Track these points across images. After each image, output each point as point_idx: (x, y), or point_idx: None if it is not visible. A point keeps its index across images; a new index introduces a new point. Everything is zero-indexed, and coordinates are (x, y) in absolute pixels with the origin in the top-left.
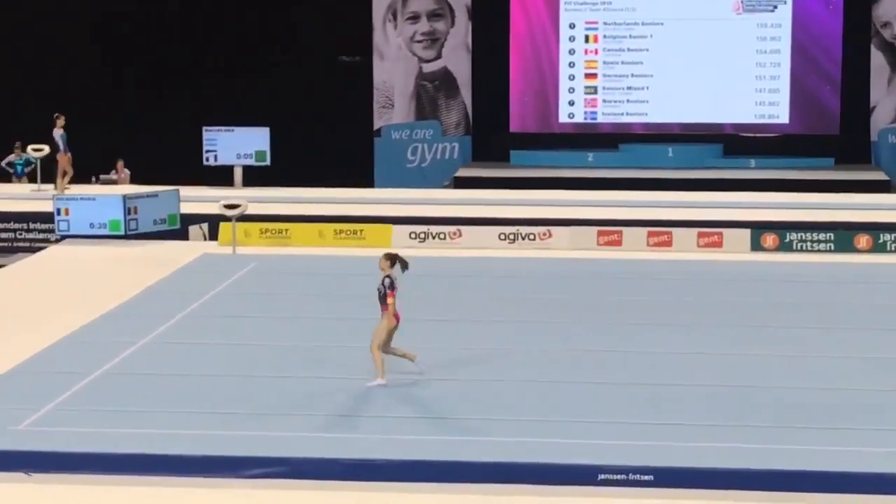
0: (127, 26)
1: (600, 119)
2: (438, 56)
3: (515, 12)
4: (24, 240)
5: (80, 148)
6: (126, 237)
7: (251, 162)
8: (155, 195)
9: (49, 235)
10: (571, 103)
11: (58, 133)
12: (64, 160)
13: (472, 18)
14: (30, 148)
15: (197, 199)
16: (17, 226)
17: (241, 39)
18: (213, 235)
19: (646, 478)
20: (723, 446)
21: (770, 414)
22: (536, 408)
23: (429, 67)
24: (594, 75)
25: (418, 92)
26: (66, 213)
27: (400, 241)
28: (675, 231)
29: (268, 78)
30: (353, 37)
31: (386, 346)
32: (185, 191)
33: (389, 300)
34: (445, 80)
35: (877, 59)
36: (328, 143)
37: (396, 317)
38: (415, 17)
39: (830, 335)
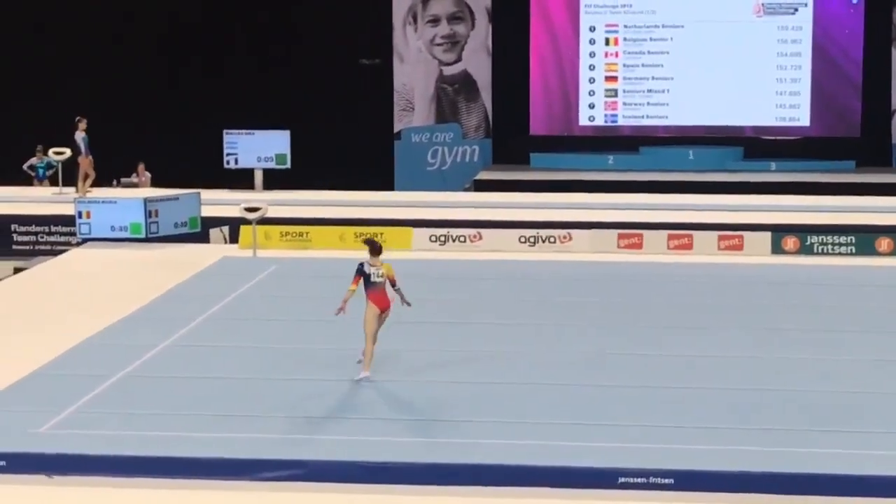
0: (148, 30)
1: (620, 122)
2: (458, 59)
3: (535, 15)
4: (46, 243)
5: (102, 151)
6: (147, 240)
7: (272, 165)
8: (176, 198)
9: (70, 238)
10: (592, 106)
11: (79, 136)
12: (85, 163)
13: (493, 21)
14: (51, 151)
15: (217, 202)
16: (38, 229)
17: (261, 42)
18: (233, 238)
19: (666, 481)
20: (744, 449)
21: (792, 417)
22: (556, 410)
23: (449, 70)
24: (614, 78)
25: (438, 95)
26: (88, 216)
27: (420, 243)
28: (696, 234)
29: (288, 81)
30: (374, 40)
31: (372, 334)
32: (206, 194)
33: (351, 286)
34: (465, 83)
35: None
36: (348, 145)
37: (376, 303)
38: (435, 20)
39: (851, 338)
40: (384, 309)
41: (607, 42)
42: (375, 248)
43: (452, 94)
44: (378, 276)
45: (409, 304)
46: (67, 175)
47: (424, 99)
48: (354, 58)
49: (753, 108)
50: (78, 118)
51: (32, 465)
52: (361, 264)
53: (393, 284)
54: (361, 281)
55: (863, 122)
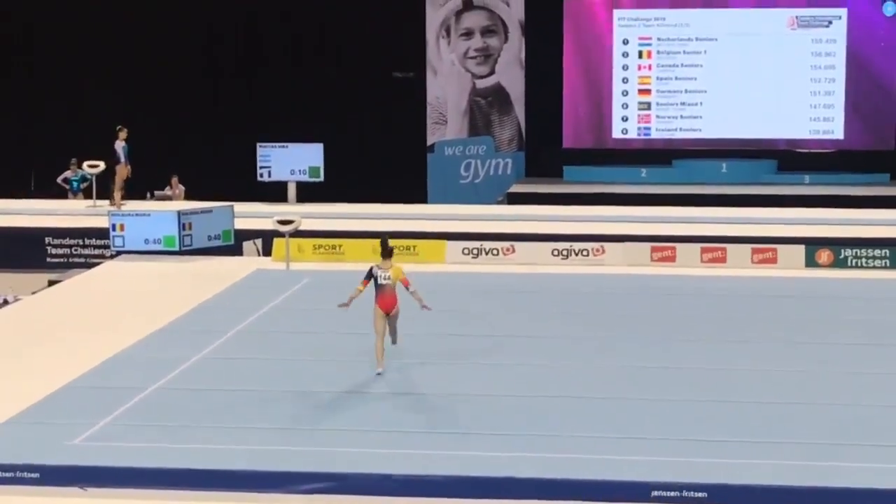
0: (183, 43)
1: (654, 135)
2: (492, 72)
3: (569, 28)
4: (80, 255)
5: (136, 164)
6: (180, 253)
7: (305, 178)
8: (209, 211)
9: (104, 251)
10: (625, 119)
11: (119, 145)
12: (123, 172)
13: (526, 34)
14: (85, 164)
15: (251, 214)
16: (72, 242)
17: (294, 55)
18: (266, 251)
19: (699, 495)
20: (777, 463)
21: (826, 431)
22: (589, 424)
23: (482, 83)
24: (648, 91)
25: (471, 108)
26: (122, 228)
27: (453, 256)
28: (729, 247)
29: (322, 94)
30: (407, 53)
31: (380, 335)
32: (240, 207)
33: (359, 286)
34: (499, 96)
35: None
36: (382, 158)
37: (381, 305)
38: (468, 34)
39: (886, 352)
40: (387, 311)
41: (640, 55)
42: (386, 252)
43: (486, 107)
44: (385, 279)
45: (428, 308)
46: (102, 188)
47: (457, 112)
48: (388, 71)
49: (787, 121)
50: (119, 127)
51: (67, 477)
52: (372, 267)
53: (406, 287)
54: (372, 283)
55: None
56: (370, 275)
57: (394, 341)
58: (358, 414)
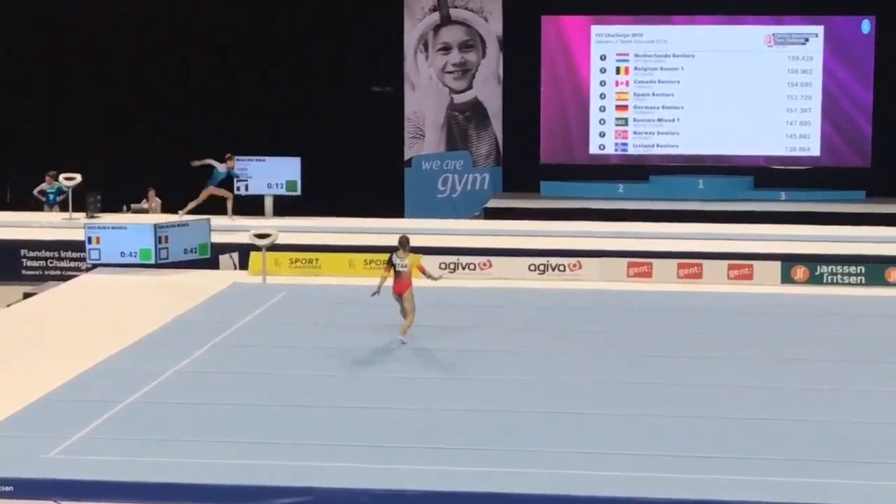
0: (160, 56)
1: (631, 150)
2: (469, 87)
3: (546, 43)
4: (56, 268)
5: (112, 177)
6: (156, 266)
7: (282, 192)
8: (186, 224)
9: (80, 264)
10: (602, 134)
11: (223, 167)
12: (208, 193)
13: (503, 49)
14: (62, 177)
15: (227, 228)
16: (48, 254)
17: (272, 69)
18: (243, 265)
19: None
20: (754, 479)
21: (804, 446)
22: (570, 439)
23: (460, 98)
24: (625, 107)
25: (449, 122)
26: (97, 241)
27: (430, 271)
28: (705, 263)
29: (299, 107)
30: (385, 67)
31: (410, 309)
32: (216, 220)
33: (384, 273)
34: (476, 111)
35: None
36: (359, 172)
37: (394, 288)
38: (446, 48)
39: (862, 369)
40: (399, 293)
41: (618, 71)
42: (403, 242)
43: (463, 121)
44: (402, 267)
45: (434, 279)
46: (78, 200)
47: (435, 126)
48: (366, 85)
49: (764, 138)
50: (228, 155)
51: (40, 490)
52: (391, 256)
53: (423, 272)
54: (392, 270)
55: (873, 152)
56: (390, 262)
57: (404, 316)
58: (334, 428)
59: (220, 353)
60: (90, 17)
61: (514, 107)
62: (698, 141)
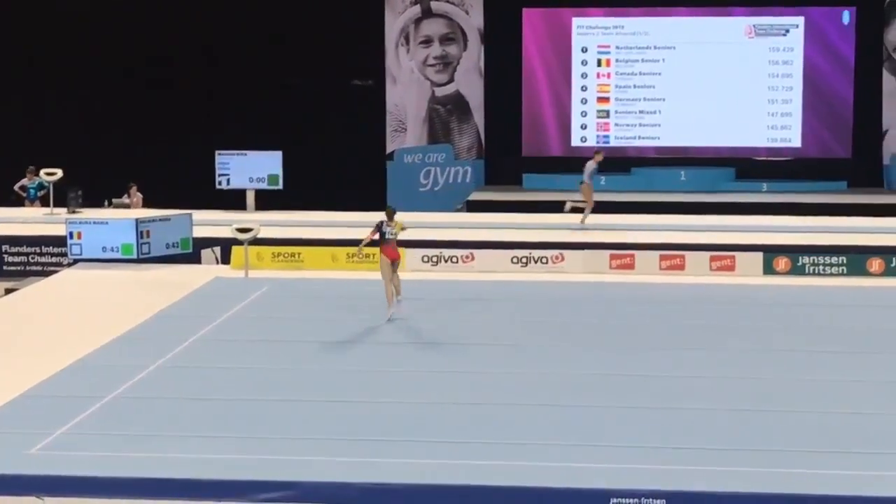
0: (140, 51)
1: (613, 142)
2: (451, 80)
3: (528, 36)
4: (37, 263)
5: (93, 172)
6: (138, 261)
7: (264, 186)
8: (167, 219)
9: (61, 259)
10: (584, 127)
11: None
12: (587, 192)
13: (485, 42)
14: (42, 172)
15: (209, 222)
16: (29, 250)
17: (254, 63)
18: (225, 259)
19: (658, 502)
20: (736, 470)
21: (785, 438)
22: (548, 431)
23: (441, 91)
24: (606, 99)
25: (431, 115)
26: (79, 236)
27: (413, 264)
28: (688, 255)
29: (280, 102)
30: (366, 60)
31: (387, 279)
32: (198, 215)
33: (369, 235)
34: (458, 104)
35: (889, 83)
36: (341, 166)
37: (387, 254)
38: (427, 41)
39: (843, 359)
40: (394, 259)
41: (599, 63)
42: (391, 212)
43: (445, 114)
44: (391, 234)
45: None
46: (59, 196)
47: (417, 120)
48: (347, 79)
49: (745, 129)
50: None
51: (23, 486)
52: (381, 222)
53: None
54: (378, 235)
55: (854, 142)
56: (378, 227)
57: (397, 293)
58: (318, 422)
59: (202, 348)
60: (70, 10)
61: (495, 100)
62: (680, 133)
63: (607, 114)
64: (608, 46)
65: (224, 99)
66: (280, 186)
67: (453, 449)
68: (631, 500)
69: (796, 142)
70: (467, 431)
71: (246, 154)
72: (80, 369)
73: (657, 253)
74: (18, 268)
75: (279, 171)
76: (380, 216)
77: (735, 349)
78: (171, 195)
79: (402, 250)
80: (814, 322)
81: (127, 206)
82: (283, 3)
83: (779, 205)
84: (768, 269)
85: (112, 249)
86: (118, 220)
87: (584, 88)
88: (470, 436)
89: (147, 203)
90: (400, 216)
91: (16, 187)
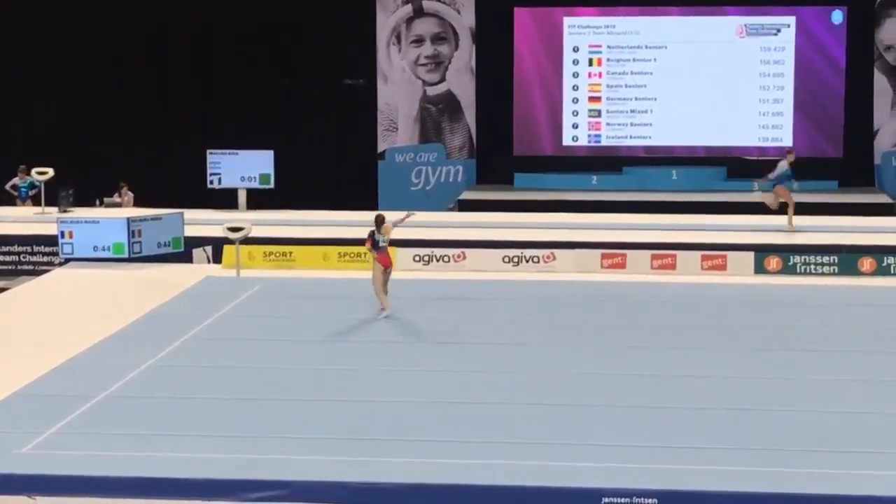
0: (132, 50)
1: (604, 142)
2: (442, 79)
3: (519, 36)
4: (28, 263)
5: (85, 171)
6: (130, 260)
7: (255, 185)
8: (159, 218)
9: (53, 258)
10: (575, 126)
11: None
12: (785, 194)
13: (476, 42)
14: (34, 171)
15: (201, 221)
16: (20, 249)
17: (245, 63)
18: (216, 258)
19: (650, 501)
20: (727, 469)
21: (775, 437)
22: (539, 431)
23: (433, 90)
24: (598, 98)
25: (422, 115)
26: (70, 236)
27: (404, 263)
28: (679, 254)
29: (272, 100)
30: (358, 60)
31: (379, 285)
32: (189, 214)
33: (367, 247)
34: (449, 103)
35: (880, 82)
36: (332, 166)
37: (382, 262)
38: (419, 41)
39: (834, 358)
40: (387, 267)
41: (591, 63)
42: (379, 220)
43: (436, 114)
44: (384, 242)
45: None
46: (50, 195)
47: (408, 119)
48: (338, 78)
49: (737, 129)
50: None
51: (15, 486)
52: (372, 232)
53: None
54: (371, 243)
55: (845, 142)
56: (372, 238)
57: (385, 291)
58: (310, 421)
59: (194, 347)
60: (62, 9)
61: (487, 99)
62: (671, 132)
63: (599, 113)
64: (600, 46)
65: (215, 98)
66: (271, 186)
67: (445, 448)
68: (622, 500)
69: (788, 141)
70: (458, 430)
71: (237, 153)
72: (72, 368)
73: (649, 252)
74: (10, 267)
75: (271, 170)
76: (373, 214)
77: (726, 348)
78: (162, 194)
79: (392, 249)
80: (805, 321)
81: (118, 206)
82: (274, 2)
83: None
84: (759, 269)
85: (103, 249)
86: (109, 219)
87: (575, 88)
88: (461, 435)
89: (138, 202)
90: (392, 215)
91: (7, 186)
